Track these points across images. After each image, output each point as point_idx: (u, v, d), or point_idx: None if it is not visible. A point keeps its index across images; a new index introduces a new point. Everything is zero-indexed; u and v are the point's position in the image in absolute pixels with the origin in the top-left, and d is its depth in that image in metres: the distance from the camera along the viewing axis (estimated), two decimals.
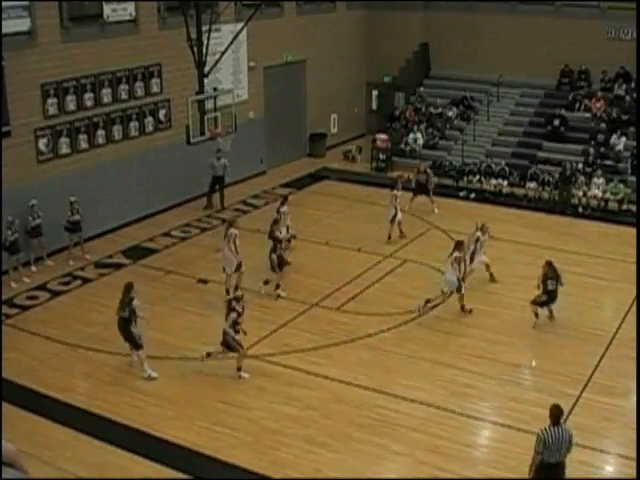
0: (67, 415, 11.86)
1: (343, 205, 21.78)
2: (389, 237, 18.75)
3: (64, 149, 17.94)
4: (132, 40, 19.19)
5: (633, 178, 21.66)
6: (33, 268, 17.04)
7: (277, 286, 15.86)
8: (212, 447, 11.04)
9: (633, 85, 24.20)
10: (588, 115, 24.32)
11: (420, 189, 20.77)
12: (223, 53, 19.70)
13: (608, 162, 22.59)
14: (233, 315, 12.64)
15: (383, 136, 25.23)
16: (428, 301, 15.03)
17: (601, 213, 21.22)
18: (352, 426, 11.55)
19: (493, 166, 23.15)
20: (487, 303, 15.43)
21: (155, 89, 20.15)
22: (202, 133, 18.59)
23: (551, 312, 14.74)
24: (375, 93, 28.46)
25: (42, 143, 17.40)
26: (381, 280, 16.81)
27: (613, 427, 11.62)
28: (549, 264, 14.50)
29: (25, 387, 12.56)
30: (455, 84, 26.84)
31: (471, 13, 26.34)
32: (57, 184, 17.54)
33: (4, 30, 15.87)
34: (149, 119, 20.07)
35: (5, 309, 15.26)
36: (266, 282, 15.81)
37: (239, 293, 13.29)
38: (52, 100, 17.48)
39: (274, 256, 15.73)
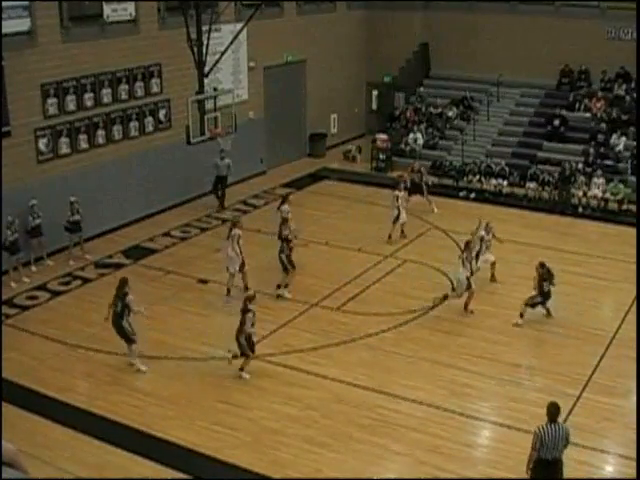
0: (67, 415, 11.87)
1: (343, 205, 21.78)
2: (389, 237, 18.75)
3: (64, 149, 17.94)
4: (132, 40, 19.19)
5: (633, 178, 21.66)
6: (33, 268, 17.04)
7: (278, 286, 15.86)
8: (212, 447, 11.04)
9: (633, 85, 24.20)
10: (588, 115, 24.32)
11: (415, 188, 20.73)
12: (223, 53, 19.70)
13: (608, 162, 22.59)
14: (250, 315, 12.64)
15: (383, 136, 25.23)
16: (446, 297, 15.06)
17: (601, 213, 21.22)
18: (352, 426, 11.55)
19: (493, 166, 23.15)
20: (487, 303, 15.43)
21: (155, 89, 20.15)
22: (202, 133, 18.60)
23: (548, 311, 14.76)
24: (375, 93, 28.46)
25: (42, 143, 17.40)
26: (381, 280, 16.81)
27: (613, 427, 11.62)
28: (542, 265, 14.51)
29: (25, 387, 12.56)
30: (455, 84, 26.84)
31: (471, 13, 26.34)
32: (57, 184, 17.54)
33: (4, 30, 15.87)
34: (149, 119, 20.07)
35: (5, 309, 15.26)
36: (285, 286, 15.89)
37: (251, 292, 13.21)
38: (52, 100, 17.48)
39: (283, 256, 15.72)
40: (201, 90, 18.90)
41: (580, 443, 10.83)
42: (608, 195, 21.44)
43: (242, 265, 15.69)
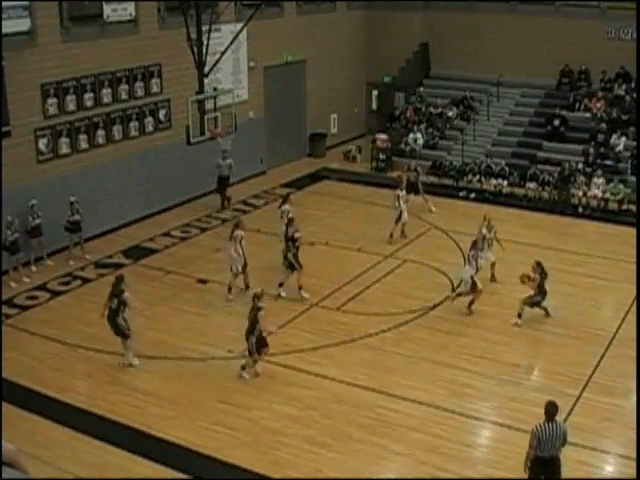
0: (67, 415, 11.87)
1: (343, 205, 21.78)
2: (391, 235, 18.76)
3: (64, 149, 17.95)
4: (132, 40, 19.19)
5: (633, 178, 21.66)
6: (33, 268, 17.04)
7: (299, 288, 15.81)
8: (212, 447, 11.04)
9: (633, 85, 24.20)
10: (588, 115, 24.32)
11: (410, 187, 20.70)
12: (223, 53, 19.71)
13: (608, 162, 22.59)
14: (262, 313, 12.64)
15: (383, 136, 25.23)
16: (460, 294, 15.11)
17: (601, 213, 21.22)
18: (352, 426, 11.55)
19: (493, 166, 23.15)
20: (487, 303, 15.41)
21: (155, 89, 20.15)
22: (202, 133, 18.61)
23: (546, 310, 14.77)
24: (375, 93, 28.46)
25: (42, 143, 17.40)
26: (381, 280, 16.81)
27: (613, 427, 11.62)
28: (539, 264, 14.52)
29: (25, 387, 12.56)
30: (455, 84, 26.84)
31: (471, 13, 26.34)
32: (57, 184, 17.54)
33: (4, 30, 15.88)
34: (149, 119, 20.07)
35: (5, 309, 15.26)
36: (280, 284, 15.87)
37: (259, 290, 13.07)
38: (52, 100, 17.48)
39: (290, 255, 15.71)
40: (201, 90, 18.91)
41: (580, 443, 10.85)
42: (608, 195, 21.44)
43: (244, 265, 15.72)
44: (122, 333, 13.12)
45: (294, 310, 15.27)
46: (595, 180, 21.65)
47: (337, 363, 13.38)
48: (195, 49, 18.53)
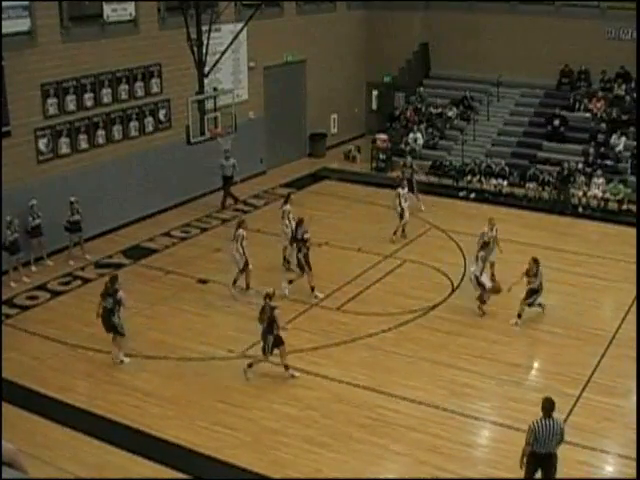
0: (67, 415, 11.87)
1: (343, 205, 21.78)
2: (394, 233, 18.84)
3: (64, 149, 17.95)
4: (132, 40, 19.19)
5: (633, 178, 21.66)
6: (33, 268, 17.04)
7: (290, 281, 15.87)
8: (212, 447, 11.05)
9: (633, 85, 24.20)
10: (588, 115, 24.32)
11: (409, 186, 20.66)
12: (223, 53, 19.71)
13: (608, 162, 22.59)
14: (278, 311, 12.63)
15: (383, 136, 25.24)
16: (484, 302, 15.04)
17: (601, 213, 21.22)
18: (352, 426, 11.55)
19: (493, 166, 23.16)
20: (487, 303, 15.40)
21: (155, 89, 20.14)
22: (202, 133, 18.61)
23: (542, 305, 14.80)
24: (375, 93, 28.46)
25: (42, 143, 17.40)
26: (381, 280, 16.81)
27: (613, 427, 11.62)
28: (536, 261, 14.55)
29: (25, 387, 12.56)
30: (455, 84, 26.84)
31: (471, 13, 26.34)
32: (57, 184, 17.54)
33: (4, 30, 15.88)
34: (149, 119, 20.07)
35: (5, 309, 15.26)
36: (290, 282, 15.87)
37: (271, 290, 12.94)
38: (52, 100, 17.48)
39: (300, 256, 15.71)
40: (201, 90, 18.90)
41: (580, 443, 10.85)
42: (608, 195, 21.44)
43: (245, 265, 15.73)
44: (117, 332, 13.22)
45: (294, 310, 15.26)
46: (595, 180, 21.65)
47: (337, 363, 13.38)
48: (195, 49, 18.52)
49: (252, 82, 23.41)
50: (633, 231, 18.43)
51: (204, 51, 18.65)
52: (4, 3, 15.95)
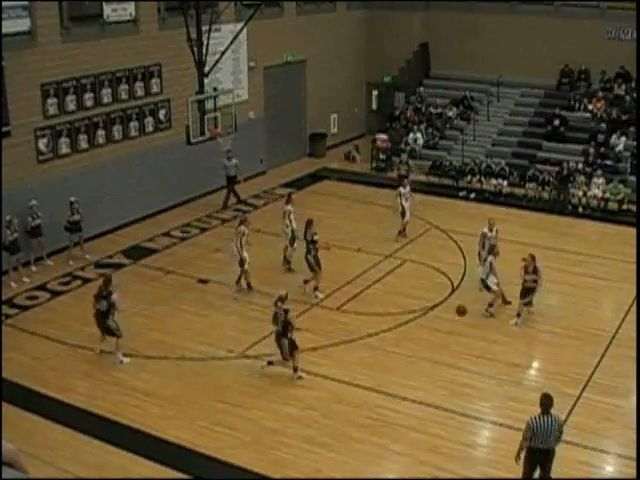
0: (67, 415, 11.87)
1: (343, 205, 21.78)
2: (399, 232, 18.90)
3: (64, 149, 17.94)
4: (132, 40, 19.19)
5: (633, 178, 21.67)
6: (33, 268, 17.04)
7: (306, 281, 15.90)
8: (212, 447, 11.04)
9: (633, 85, 24.21)
10: (588, 115, 24.32)
11: (401, 181, 20.64)
12: (223, 53, 19.70)
13: (608, 162, 22.59)
14: (293, 314, 12.63)
15: (383, 136, 25.24)
16: (491, 305, 15.05)
17: (601, 213, 21.22)
18: (352, 426, 11.55)
19: (493, 166, 23.16)
20: (487, 303, 15.40)
21: (155, 89, 20.15)
22: (202, 133, 18.59)
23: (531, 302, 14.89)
24: (375, 93, 28.47)
25: (42, 143, 17.40)
26: (381, 280, 16.81)
27: (613, 427, 11.62)
28: (533, 257, 14.57)
29: (25, 387, 12.56)
30: (455, 84, 26.84)
31: (471, 13, 26.34)
32: (57, 184, 17.54)
33: (4, 30, 15.87)
34: (149, 119, 20.07)
35: (5, 309, 15.26)
36: (305, 281, 15.95)
37: (283, 293, 12.86)
38: (52, 100, 17.48)
39: (310, 257, 15.71)
40: (201, 90, 18.89)
41: (580, 443, 10.86)
42: (608, 195, 21.44)
43: (241, 262, 15.73)
44: (112, 333, 13.24)
45: (294, 310, 15.22)
46: (595, 180, 21.65)
47: (337, 363, 13.38)
48: (195, 49, 18.51)
49: (252, 82, 23.41)
50: (633, 231, 18.43)
51: (204, 51, 18.65)
52: (4, 3, 15.95)
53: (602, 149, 23.02)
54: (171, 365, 13.37)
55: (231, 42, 19.88)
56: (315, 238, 15.67)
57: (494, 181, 22.82)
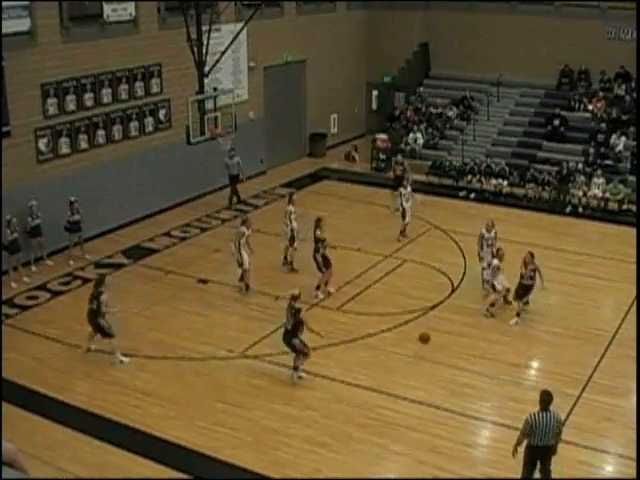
0: (67, 415, 11.86)
1: (343, 205, 21.78)
2: (400, 233, 18.92)
3: (64, 149, 17.94)
4: (132, 40, 19.19)
5: (633, 178, 21.67)
6: (33, 268, 17.04)
7: (325, 283, 15.91)
8: (212, 447, 11.04)
9: (633, 85, 24.21)
10: (588, 115, 24.32)
11: (397, 181, 20.66)
12: (223, 53, 19.68)
13: (608, 162, 22.59)
14: (304, 313, 12.60)
15: (383, 136, 25.24)
16: (493, 304, 15.05)
17: (601, 213, 21.23)
18: (352, 426, 11.54)
19: (493, 166, 23.16)
20: (488, 303, 15.40)
21: (155, 89, 20.15)
22: (202, 133, 18.57)
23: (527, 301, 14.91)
24: (375, 93, 28.47)
25: (42, 143, 17.40)
26: (381, 280, 16.81)
27: (613, 427, 11.61)
28: (532, 255, 14.57)
29: (25, 387, 12.55)
30: (455, 84, 26.84)
31: (471, 13, 26.34)
32: (57, 184, 17.54)
33: (4, 30, 15.87)
34: (149, 119, 20.07)
35: (5, 309, 15.25)
36: (326, 284, 15.90)
37: (297, 292, 12.78)
38: (52, 100, 17.48)
39: (318, 256, 15.70)
40: (201, 90, 18.88)
41: (580, 443, 10.86)
42: (608, 195, 21.44)
43: (239, 264, 15.74)
44: (104, 333, 13.23)
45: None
46: (595, 180, 21.65)
47: (337, 363, 13.38)
48: (195, 49, 18.50)
49: (252, 82, 23.42)
50: (633, 231, 18.43)
51: (204, 51, 18.63)
52: (4, 3, 15.95)
53: (602, 149, 23.02)
54: (171, 365, 13.37)
55: (231, 42, 19.86)
56: (323, 237, 15.66)
57: (494, 181, 22.83)
